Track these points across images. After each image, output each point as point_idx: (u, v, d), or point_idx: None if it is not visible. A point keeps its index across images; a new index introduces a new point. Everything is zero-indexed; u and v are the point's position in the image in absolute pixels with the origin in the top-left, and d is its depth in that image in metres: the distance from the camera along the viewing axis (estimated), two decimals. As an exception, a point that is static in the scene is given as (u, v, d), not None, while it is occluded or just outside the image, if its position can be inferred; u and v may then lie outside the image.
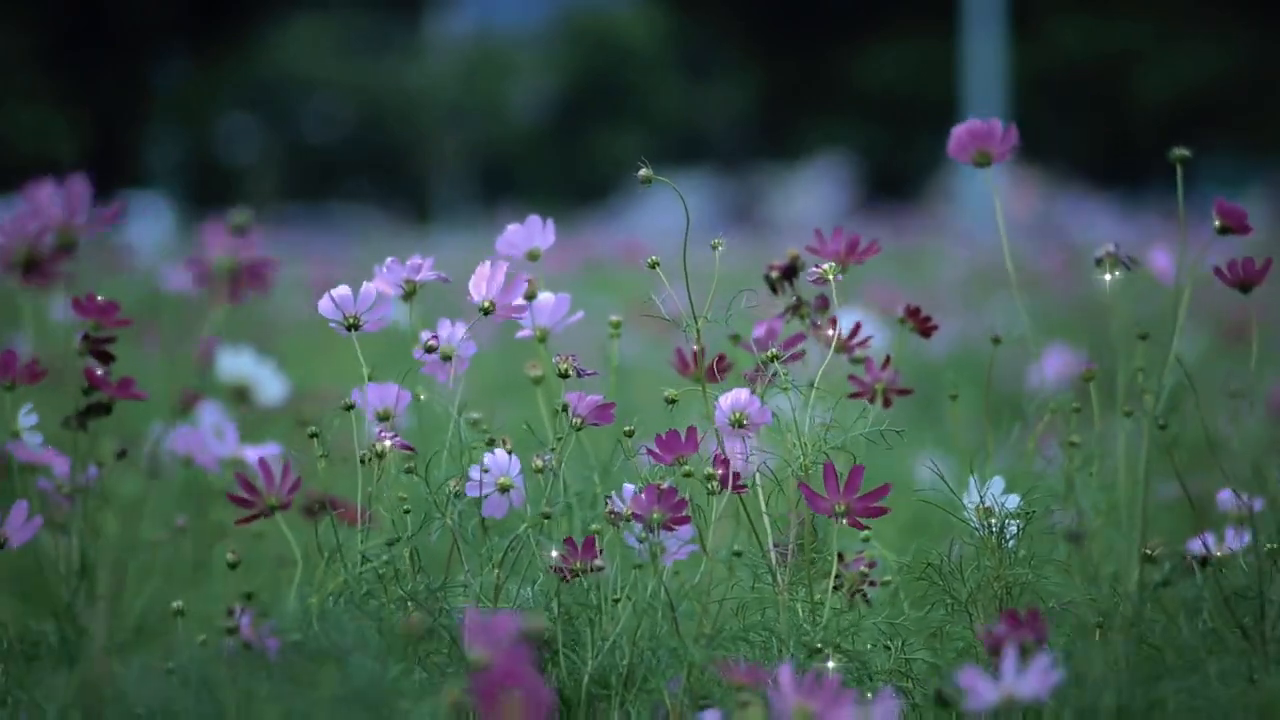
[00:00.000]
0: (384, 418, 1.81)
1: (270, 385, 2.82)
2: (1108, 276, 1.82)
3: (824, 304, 1.96)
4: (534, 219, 1.91)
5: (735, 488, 1.76)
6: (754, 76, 27.38)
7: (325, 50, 26.62)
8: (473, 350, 1.85)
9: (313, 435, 1.76)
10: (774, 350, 1.82)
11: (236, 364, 2.80)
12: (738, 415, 1.78)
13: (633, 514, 1.73)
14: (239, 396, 2.80)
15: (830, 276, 1.83)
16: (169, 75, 27.06)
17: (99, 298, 1.79)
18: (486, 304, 1.81)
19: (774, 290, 1.96)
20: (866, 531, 1.87)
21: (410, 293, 1.83)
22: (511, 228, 1.91)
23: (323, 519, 1.75)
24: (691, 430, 1.77)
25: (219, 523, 2.43)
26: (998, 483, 1.78)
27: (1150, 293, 2.13)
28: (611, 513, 1.76)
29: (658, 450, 1.77)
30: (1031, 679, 1.51)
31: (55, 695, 1.64)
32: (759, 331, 1.93)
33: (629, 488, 1.77)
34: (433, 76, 26.56)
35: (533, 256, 1.91)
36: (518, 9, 27.62)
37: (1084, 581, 1.77)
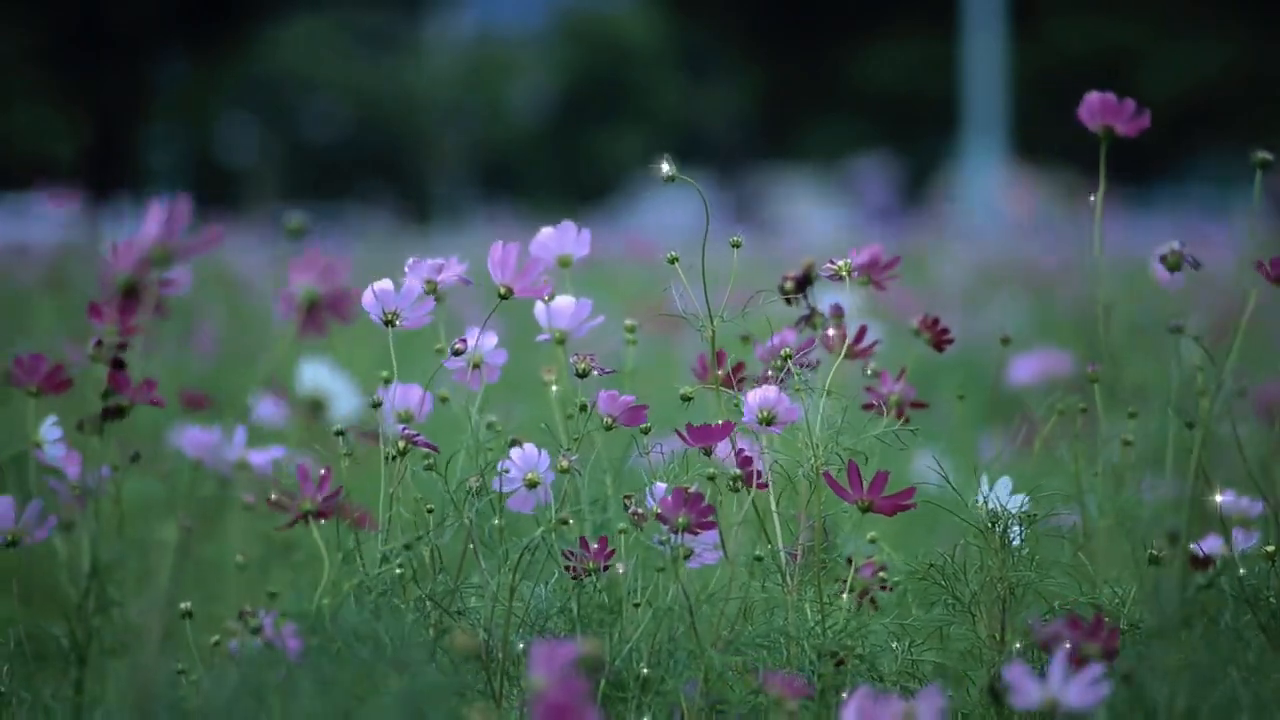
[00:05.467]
0: (388, 419, 1.80)
1: (346, 398, 2.80)
2: (1170, 275, 1.81)
3: (839, 313, 1.94)
4: (568, 224, 1.86)
5: (758, 485, 1.75)
6: (754, 76, 27.35)
7: (325, 50, 26.60)
8: (503, 359, 1.82)
9: (339, 434, 1.77)
10: (787, 352, 1.82)
11: (314, 375, 2.77)
12: (766, 413, 1.76)
13: (659, 516, 1.70)
14: (314, 409, 2.78)
15: (844, 274, 1.82)
16: (169, 75, 27.04)
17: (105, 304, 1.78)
18: (503, 289, 1.79)
19: (788, 301, 1.93)
20: (872, 533, 1.87)
21: (431, 293, 1.80)
22: (545, 230, 1.85)
23: (337, 520, 1.75)
24: (727, 423, 1.76)
25: (231, 525, 2.44)
26: (1004, 483, 1.78)
27: (1150, 294, 2.13)
28: (635, 513, 1.74)
29: (689, 437, 1.75)
30: (1079, 689, 1.47)
31: (64, 696, 1.65)
32: (772, 343, 1.91)
33: (660, 486, 1.75)
34: (433, 76, 26.54)
35: (564, 263, 1.86)
36: (518, 9, 27.60)
37: (1135, 582, 1.76)
